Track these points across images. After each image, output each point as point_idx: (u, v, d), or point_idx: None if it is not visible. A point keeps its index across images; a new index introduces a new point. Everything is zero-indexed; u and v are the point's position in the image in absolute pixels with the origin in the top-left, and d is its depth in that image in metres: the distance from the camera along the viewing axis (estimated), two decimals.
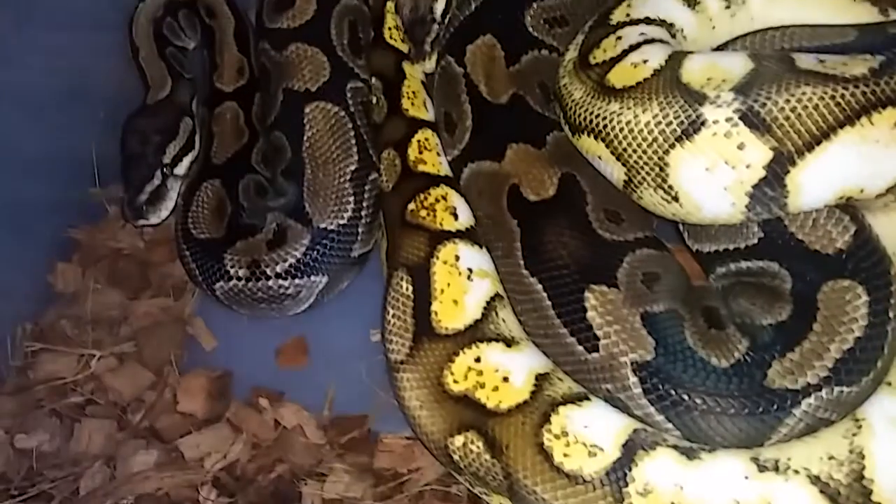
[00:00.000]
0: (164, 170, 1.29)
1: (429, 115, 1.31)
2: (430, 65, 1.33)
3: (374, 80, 1.34)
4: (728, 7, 1.18)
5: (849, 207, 1.01)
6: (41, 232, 1.34)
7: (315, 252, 1.18)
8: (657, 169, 1.00)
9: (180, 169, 1.32)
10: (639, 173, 1.03)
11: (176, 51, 1.47)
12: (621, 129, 1.02)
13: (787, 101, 0.92)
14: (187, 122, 1.34)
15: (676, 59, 1.02)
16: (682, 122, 0.96)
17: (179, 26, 1.48)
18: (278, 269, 1.17)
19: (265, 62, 1.32)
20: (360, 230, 1.22)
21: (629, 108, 1.01)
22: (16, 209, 1.28)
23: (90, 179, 1.38)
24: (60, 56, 1.36)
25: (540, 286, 1.06)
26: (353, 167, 1.22)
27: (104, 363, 1.23)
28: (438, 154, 1.25)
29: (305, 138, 1.22)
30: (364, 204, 1.22)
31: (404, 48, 1.37)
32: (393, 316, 1.11)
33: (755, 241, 1.05)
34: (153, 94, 1.37)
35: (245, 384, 1.24)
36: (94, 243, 1.35)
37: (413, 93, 1.32)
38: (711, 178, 0.97)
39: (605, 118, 1.04)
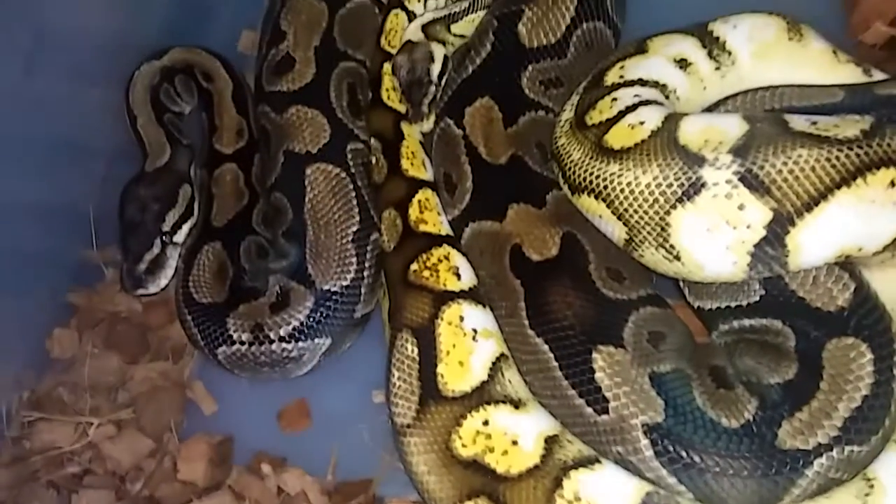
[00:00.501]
0: (164, 238, 1.29)
1: (428, 174, 1.32)
2: (427, 125, 1.35)
3: (373, 140, 1.36)
4: (718, 68, 1.22)
5: (847, 265, 1.03)
6: (38, 296, 1.32)
7: (318, 314, 1.18)
8: (659, 229, 1.02)
9: (179, 236, 1.32)
10: (640, 233, 1.04)
11: (173, 116, 1.48)
12: (622, 190, 1.03)
13: (785, 163, 0.95)
14: (186, 189, 1.35)
15: (673, 120, 1.05)
16: (682, 184, 0.98)
17: (176, 92, 1.50)
18: (282, 332, 1.16)
19: (265, 124, 1.33)
20: (362, 291, 1.22)
21: (629, 170, 1.03)
22: (12, 273, 1.27)
23: (87, 242, 1.37)
24: (61, 112, 1.36)
25: (546, 347, 1.07)
26: (354, 228, 1.22)
27: (102, 431, 1.21)
28: (439, 213, 1.26)
29: (307, 200, 1.23)
30: (366, 264, 1.22)
31: (402, 109, 1.39)
32: (398, 378, 1.11)
33: (756, 298, 1.07)
34: (151, 161, 1.38)
35: (246, 449, 1.23)
36: (92, 307, 1.34)
37: (412, 153, 1.33)
38: (713, 237, 0.99)
39: (605, 179, 1.05)
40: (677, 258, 1.03)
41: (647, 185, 1.01)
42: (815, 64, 1.22)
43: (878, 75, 1.21)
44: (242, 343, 1.17)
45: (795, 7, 1.27)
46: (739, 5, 1.27)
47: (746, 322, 1.08)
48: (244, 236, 1.29)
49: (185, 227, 1.33)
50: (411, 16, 1.50)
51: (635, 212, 1.03)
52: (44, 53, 1.30)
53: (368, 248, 1.23)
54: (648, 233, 1.03)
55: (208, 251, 1.27)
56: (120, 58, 1.48)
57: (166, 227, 1.30)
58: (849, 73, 1.21)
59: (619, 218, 1.06)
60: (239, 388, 1.29)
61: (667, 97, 1.19)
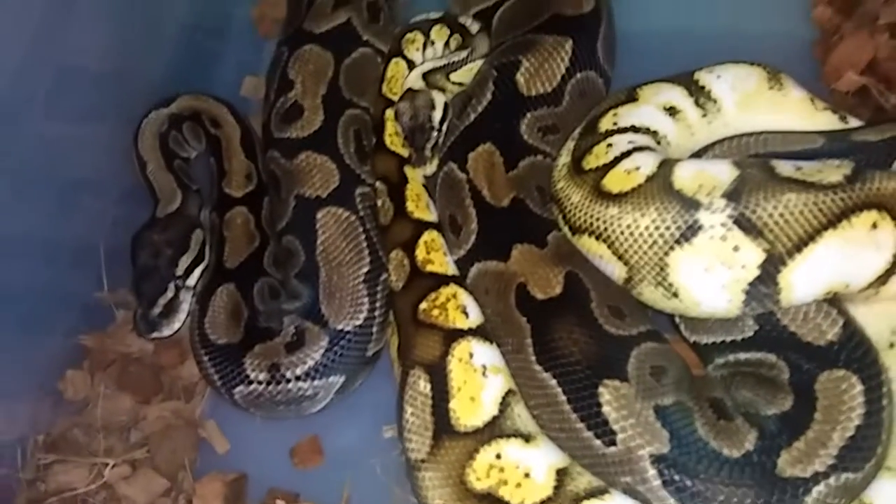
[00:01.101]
0: (177, 282, 1.32)
1: (433, 216, 1.37)
2: (430, 169, 1.41)
3: (378, 184, 1.40)
4: (705, 115, 1.30)
5: (835, 301, 1.10)
6: (50, 339, 1.33)
7: (333, 353, 1.21)
8: (658, 269, 1.08)
9: (191, 280, 1.35)
10: (640, 272, 1.11)
11: (182, 162, 1.52)
12: (622, 232, 1.10)
13: (775, 207, 1.02)
14: (198, 234, 1.38)
15: (667, 166, 1.12)
16: (680, 227, 1.05)
17: (184, 138, 1.53)
18: (298, 371, 1.19)
19: (275, 169, 1.37)
20: (374, 329, 1.26)
21: (628, 213, 1.09)
22: (25, 316, 1.28)
23: (98, 284, 1.39)
24: (74, 154, 1.39)
25: (554, 381, 1.11)
26: (365, 269, 1.27)
27: (117, 471, 1.22)
28: (445, 254, 1.31)
29: (319, 242, 1.27)
30: (377, 304, 1.26)
31: (405, 153, 1.44)
32: (411, 415, 1.14)
33: (751, 333, 1.13)
34: (163, 207, 1.40)
35: (260, 486, 1.25)
36: (104, 348, 1.35)
37: (416, 195, 1.38)
38: (709, 277, 1.05)
39: (605, 221, 1.11)
40: (675, 296, 1.09)
41: (647, 228, 1.07)
42: (795, 111, 1.31)
43: (854, 122, 1.29)
44: (259, 382, 1.19)
45: (773, 56, 1.36)
46: (720, 54, 1.36)
47: (742, 356, 1.14)
48: (257, 278, 1.32)
49: (197, 271, 1.36)
50: (411, 64, 1.57)
51: (635, 252, 1.09)
52: (61, 96, 1.33)
53: (379, 288, 1.28)
54: (648, 272, 1.09)
55: (223, 292, 1.29)
56: (127, 102, 1.52)
57: (179, 272, 1.32)
58: (826, 120, 1.30)
59: (619, 258, 1.12)
60: (251, 426, 1.31)
61: (658, 143, 1.27)
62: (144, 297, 1.29)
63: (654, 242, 1.07)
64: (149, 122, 1.49)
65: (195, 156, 1.57)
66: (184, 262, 1.33)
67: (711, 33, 1.62)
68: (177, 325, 1.31)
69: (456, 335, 1.19)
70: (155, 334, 1.29)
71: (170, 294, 1.31)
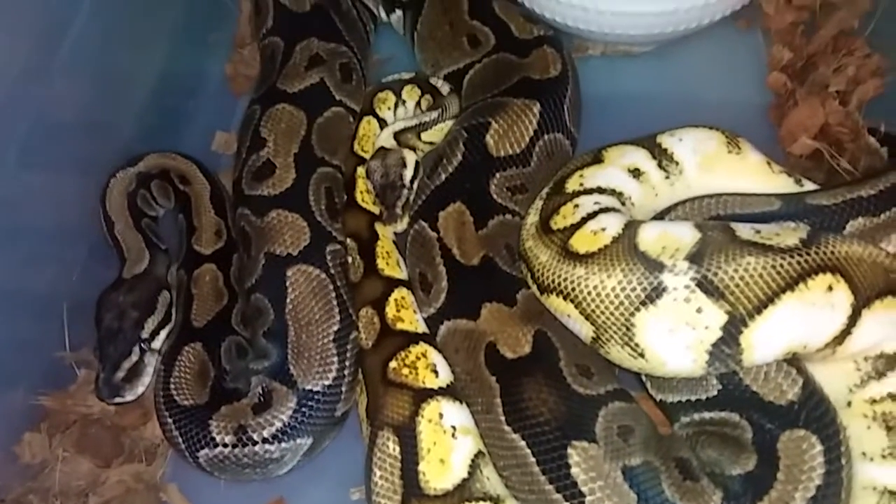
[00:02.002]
0: (142, 345, 1.29)
1: (403, 273, 1.39)
2: (401, 226, 1.42)
3: (349, 241, 1.41)
4: (668, 177, 1.34)
5: (794, 361, 1.12)
6: (8, 400, 1.29)
7: (301, 414, 1.19)
8: (624, 329, 1.10)
9: (157, 343, 1.32)
10: (607, 332, 1.12)
11: (150, 221, 1.51)
12: (589, 293, 1.11)
13: (736, 269, 1.04)
14: (165, 295, 1.36)
15: (632, 227, 1.15)
16: (645, 288, 1.07)
17: (152, 196, 1.53)
18: (265, 433, 1.17)
19: (245, 226, 1.37)
20: (343, 389, 1.25)
21: (595, 274, 1.11)
22: None
23: (60, 342, 1.36)
24: (40, 208, 1.37)
25: (523, 443, 1.11)
26: (335, 327, 1.26)
27: None
28: (415, 311, 1.32)
29: (288, 301, 1.26)
30: (347, 363, 1.25)
31: (375, 210, 1.46)
32: (380, 477, 1.13)
33: (714, 392, 1.15)
34: (129, 267, 1.39)
35: None
36: (64, 409, 1.32)
37: (387, 252, 1.40)
38: (674, 337, 1.07)
39: (573, 282, 1.13)
40: (641, 356, 1.11)
41: (613, 289, 1.09)
42: (753, 174, 1.35)
43: (808, 184, 1.34)
44: (226, 445, 1.17)
45: (731, 119, 1.41)
46: (681, 118, 1.41)
47: (706, 415, 1.16)
48: (225, 336, 1.31)
49: (163, 334, 1.34)
50: (382, 123, 1.60)
51: (602, 313, 1.11)
52: (35, 146, 1.33)
53: (348, 346, 1.27)
54: (615, 332, 1.11)
55: (189, 352, 1.28)
56: (98, 156, 1.51)
57: (145, 334, 1.30)
58: (782, 183, 1.34)
59: (586, 318, 1.13)
60: (215, 490, 1.27)
61: (623, 203, 1.30)
62: (108, 360, 1.27)
63: (621, 303, 1.09)
64: (116, 182, 1.48)
65: (163, 213, 1.57)
66: (150, 324, 1.31)
67: (672, 98, 1.68)
68: (140, 390, 1.28)
69: (426, 395, 1.19)
70: (117, 399, 1.26)
71: (134, 357, 1.28)
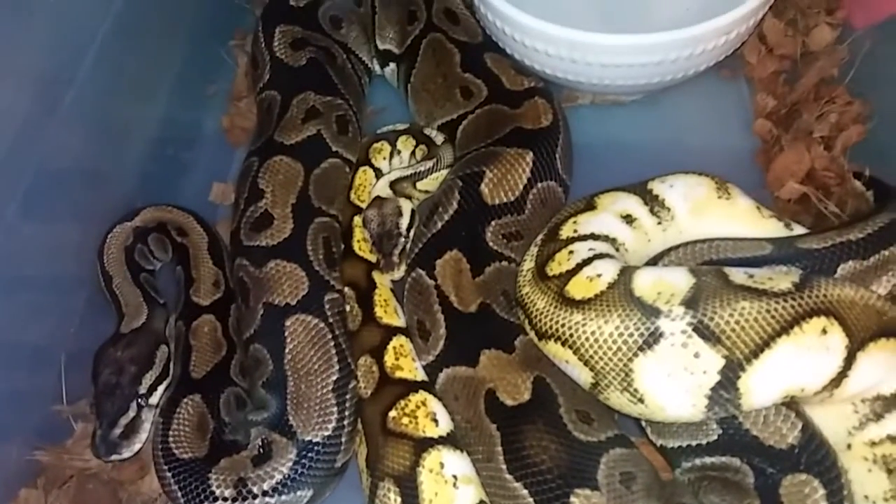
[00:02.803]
0: (140, 400, 1.28)
1: (400, 321, 1.39)
2: (398, 274, 1.44)
3: (347, 289, 1.42)
4: (660, 223, 1.36)
5: (793, 404, 1.13)
6: (3, 455, 1.28)
7: (301, 466, 1.18)
8: (623, 374, 1.11)
9: (154, 398, 1.31)
10: (605, 377, 1.13)
11: (148, 275, 1.51)
12: (587, 339, 1.12)
13: (731, 314, 1.06)
14: (163, 349, 1.36)
15: (627, 273, 1.16)
16: (642, 334, 1.08)
17: (150, 250, 1.54)
18: (265, 486, 1.16)
19: (243, 277, 1.37)
20: (343, 440, 1.24)
21: (592, 320, 1.12)
22: None
23: (56, 396, 1.35)
24: (39, 258, 1.38)
25: (525, 491, 1.11)
26: (334, 377, 1.26)
27: None
28: (413, 360, 1.32)
29: (287, 351, 1.26)
30: (346, 413, 1.25)
31: (372, 258, 1.47)
32: None
33: (714, 437, 1.15)
34: (128, 322, 1.39)
35: None
36: (60, 464, 1.30)
37: (385, 300, 1.41)
38: (673, 382, 1.08)
39: (570, 328, 1.15)
40: (641, 401, 1.12)
41: (611, 335, 1.10)
42: (743, 219, 1.38)
43: (798, 228, 1.36)
44: (225, 499, 1.15)
45: (719, 163, 1.45)
46: (670, 163, 1.44)
47: (707, 460, 1.16)
48: (224, 388, 1.30)
49: (161, 389, 1.33)
50: (378, 172, 1.63)
51: (600, 359, 1.12)
52: (37, 196, 1.34)
53: (348, 396, 1.27)
54: (613, 378, 1.12)
55: (188, 404, 1.27)
56: (97, 207, 1.53)
57: (143, 390, 1.29)
58: (772, 227, 1.37)
59: (585, 364, 1.14)
60: None
61: (617, 249, 1.32)
62: (105, 416, 1.25)
63: (619, 349, 1.10)
64: (113, 237, 1.49)
65: (161, 266, 1.57)
66: (147, 379, 1.30)
67: (661, 144, 1.72)
68: (137, 447, 1.27)
69: (426, 444, 1.18)
70: (114, 457, 1.24)
71: (132, 413, 1.27)
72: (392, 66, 1.79)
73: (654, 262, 1.35)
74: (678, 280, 1.12)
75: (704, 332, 1.06)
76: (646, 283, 1.13)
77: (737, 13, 1.50)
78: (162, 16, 1.71)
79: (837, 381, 1.09)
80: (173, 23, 1.77)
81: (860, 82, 1.65)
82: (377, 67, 1.83)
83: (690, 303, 1.07)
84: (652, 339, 1.08)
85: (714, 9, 1.58)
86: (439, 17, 1.70)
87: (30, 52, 1.35)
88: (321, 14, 1.74)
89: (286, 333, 1.28)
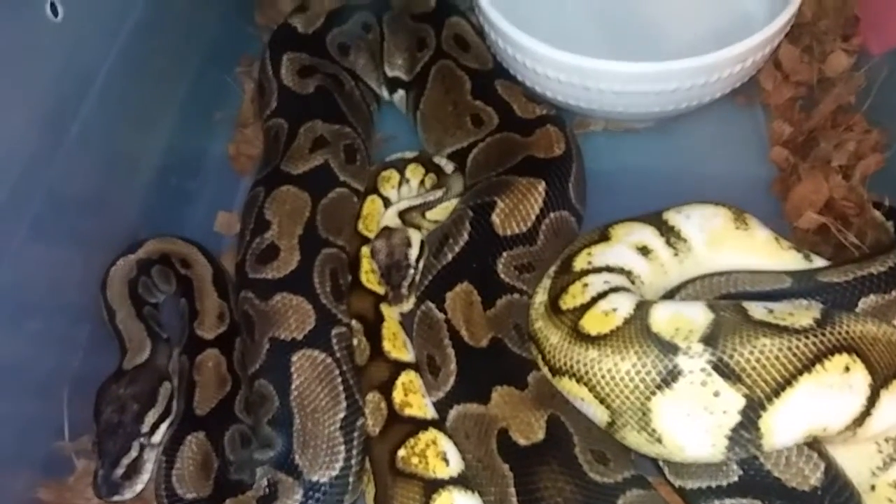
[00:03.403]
0: (142, 440, 1.25)
1: (409, 356, 1.36)
2: (407, 307, 1.40)
3: (354, 322, 1.39)
4: (676, 255, 1.33)
5: (815, 444, 1.09)
6: (5, 492, 1.24)
7: None
8: (640, 413, 1.07)
9: (157, 437, 1.28)
10: (622, 416, 1.09)
11: (152, 308, 1.49)
12: (603, 377, 1.09)
13: (751, 352, 1.03)
14: (166, 386, 1.33)
15: (643, 308, 1.13)
16: (660, 372, 1.05)
17: (153, 283, 1.51)
18: None
19: (248, 310, 1.35)
20: (350, 479, 1.20)
21: (608, 356, 1.09)
22: None
23: (59, 432, 1.32)
24: (44, 283, 1.35)
25: None
26: (342, 415, 1.23)
27: None
28: (423, 396, 1.28)
29: (293, 387, 1.23)
30: (354, 452, 1.22)
31: (381, 290, 1.44)
32: None
33: (735, 478, 1.11)
34: (130, 358, 1.36)
35: None
36: (61, 502, 1.27)
37: (393, 334, 1.37)
38: (692, 422, 1.05)
39: (585, 364, 1.11)
40: (659, 441, 1.08)
41: (627, 373, 1.07)
42: (762, 250, 1.35)
43: (817, 260, 1.34)
44: None
45: (735, 192, 1.42)
46: (685, 191, 1.42)
47: (728, 502, 1.11)
48: (228, 425, 1.27)
49: (164, 427, 1.30)
50: (386, 202, 1.61)
51: (616, 397, 1.08)
52: (45, 224, 1.33)
53: (355, 434, 1.23)
54: (630, 416, 1.08)
55: (192, 442, 1.24)
56: (103, 236, 1.51)
57: (145, 429, 1.26)
58: (791, 259, 1.34)
59: (601, 402, 1.11)
60: None
61: (633, 282, 1.29)
62: (107, 456, 1.22)
63: (636, 387, 1.06)
64: (117, 270, 1.47)
65: (164, 298, 1.55)
66: (150, 418, 1.27)
67: (675, 172, 1.69)
68: (139, 487, 1.23)
69: (436, 485, 1.15)
70: (116, 497, 1.21)
71: (134, 453, 1.23)
72: (401, 92, 1.78)
73: (670, 294, 1.32)
74: (696, 315, 1.09)
75: (724, 370, 1.02)
76: (663, 319, 1.10)
77: (752, 41, 1.48)
78: (168, 43, 1.71)
79: (861, 420, 1.05)
80: (179, 50, 1.76)
81: (878, 110, 1.62)
82: (386, 94, 1.82)
83: (709, 339, 1.04)
84: (670, 378, 1.04)
85: (725, 33, 1.56)
86: (449, 43, 1.68)
87: (37, 85, 1.34)
88: (329, 41, 1.72)
89: (292, 369, 1.25)
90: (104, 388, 1.31)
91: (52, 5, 1.37)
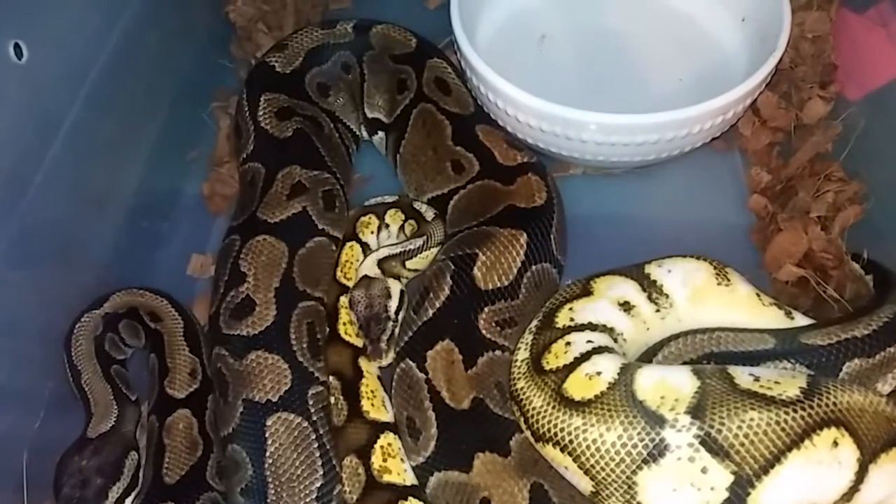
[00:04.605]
0: None
1: (388, 415, 1.32)
2: (386, 361, 1.37)
3: (332, 379, 1.35)
4: (658, 311, 1.31)
5: None
6: None
7: None
8: (626, 486, 1.05)
9: None
10: (607, 488, 1.07)
11: (120, 367, 1.42)
12: (588, 447, 1.07)
13: (739, 427, 1.01)
14: (133, 457, 1.27)
15: (628, 372, 1.11)
16: (647, 445, 1.02)
17: (121, 338, 1.45)
18: None
19: (222, 368, 1.30)
20: None
21: (593, 426, 1.07)
22: None
23: (17, 493, 1.25)
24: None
25: None
26: (318, 483, 1.19)
27: None
28: (402, 460, 1.25)
29: (267, 454, 1.19)
30: None
31: (359, 342, 1.40)
32: None
33: None
34: (95, 424, 1.29)
35: None
36: None
37: (372, 392, 1.34)
38: (679, 498, 1.03)
39: (570, 433, 1.09)
40: None
41: (613, 444, 1.04)
42: (743, 307, 1.34)
43: (799, 317, 1.33)
44: None
45: (714, 241, 1.44)
46: (664, 238, 1.42)
47: None
48: (199, 494, 1.22)
49: (129, 501, 1.23)
50: (365, 247, 1.57)
51: (602, 469, 1.06)
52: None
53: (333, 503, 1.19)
54: (615, 489, 1.06)
55: None
56: (66, 287, 1.45)
57: None
58: (773, 316, 1.33)
59: (585, 472, 1.08)
60: None
61: (615, 340, 1.27)
62: None
63: (622, 461, 1.04)
64: (82, 327, 1.40)
65: (132, 353, 1.49)
66: (114, 492, 1.21)
67: (654, 218, 1.69)
68: None
69: None
70: None
71: None
72: (381, 134, 1.74)
73: (653, 351, 1.31)
74: (682, 383, 1.07)
75: (712, 445, 1.00)
76: (648, 386, 1.08)
77: (734, 94, 1.48)
78: (139, 81, 1.65)
79: (849, 495, 1.04)
80: (151, 87, 1.70)
81: (855, 159, 1.63)
82: (365, 134, 1.78)
83: (696, 411, 1.02)
84: (657, 452, 1.02)
85: (707, 82, 1.56)
86: (430, 86, 1.65)
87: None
88: (308, 81, 1.68)
89: (267, 434, 1.20)
90: (65, 459, 1.25)
91: (17, 46, 1.31)
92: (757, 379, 1.08)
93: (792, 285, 1.53)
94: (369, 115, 1.73)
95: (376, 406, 1.32)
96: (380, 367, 1.39)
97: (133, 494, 1.25)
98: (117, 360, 1.44)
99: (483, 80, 1.56)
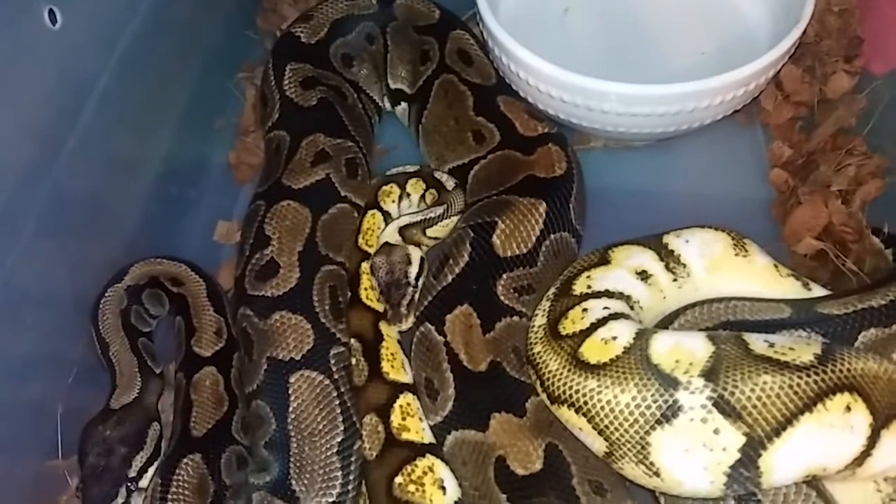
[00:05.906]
0: (129, 485, 1.22)
1: (408, 377, 1.35)
2: (406, 325, 1.40)
3: (353, 341, 1.38)
4: (675, 280, 1.33)
5: (813, 483, 1.09)
6: None
7: None
8: (639, 447, 1.07)
9: (144, 481, 1.25)
10: (621, 448, 1.09)
11: (146, 340, 1.45)
12: (602, 408, 1.09)
13: (752, 389, 1.02)
14: (155, 428, 1.30)
15: (643, 337, 1.13)
16: (660, 406, 1.04)
17: (145, 309, 1.48)
18: None
19: (247, 327, 1.33)
20: None
21: (608, 387, 1.09)
22: None
23: (52, 449, 1.30)
24: (43, 298, 1.34)
25: None
26: (339, 438, 1.22)
27: None
28: (420, 420, 1.28)
29: (291, 410, 1.22)
30: (351, 477, 1.21)
31: (380, 307, 1.44)
32: None
33: None
34: (119, 395, 1.32)
35: None
36: None
37: (392, 354, 1.37)
38: (691, 458, 1.04)
39: (584, 395, 1.11)
40: (657, 475, 1.08)
41: (627, 406, 1.06)
42: (761, 277, 1.34)
43: (816, 288, 1.33)
44: None
45: (734, 213, 1.44)
46: (684, 210, 1.41)
47: None
48: (225, 447, 1.26)
49: (151, 470, 1.26)
50: (386, 216, 1.60)
51: (616, 429, 1.08)
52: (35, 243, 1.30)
53: (353, 458, 1.22)
54: (629, 449, 1.08)
55: (188, 465, 1.22)
56: (96, 253, 1.49)
57: (132, 473, 1.23)
58: (790, 287, 1.34)
59: (599, 433, 1.10)
60: None
61: (632, 307, 1.28)
62: (92, 501, 1.18)
63: (636, 421, 1.06)
64: (107, 301, 1.43)
65: (158, 322, 1.52)
66: (138, 461, 1.24)
67: (674, 191, 1.69)
68: None
69: None
70: None
71: (120, 500, 1.20)
72: (403, 105, 1.76)
73: (669, 320, 1.31)
74: (697, 347, 1.09)
75: (725, 407, 1.02)
76: (663, 350, 1.10)
77: (757, 64, 1.47)
78: (169, 50, 1.68)
79: (861, 459, 1.05)
80: (180, 56, 1.73)
81: (879, 133, 1.62)
82: (388, 105, 1.80)
83: (710, 374, 1.04)
84: (670, 413, 1.04)
85: (730, 54, 1.55)
86: (452, 57, 1.67)
87: (34, 94, 1.31)
88: (333, 51, 1.70)
89: (290, 391, 1.23)
90: (90, 428, 1.28)
91: (51, 13, 1.34)
92: (772, 345, 1.09)
93: (811, 258, 1.53)
94: (392, 86, 1.75)
95: (396, 368, 1.35)
96: (399, 332, 1.42)
97: (155, 465, 1.28)
98: (143, 332, 1.47)
99: (504, 50, 1.57)
